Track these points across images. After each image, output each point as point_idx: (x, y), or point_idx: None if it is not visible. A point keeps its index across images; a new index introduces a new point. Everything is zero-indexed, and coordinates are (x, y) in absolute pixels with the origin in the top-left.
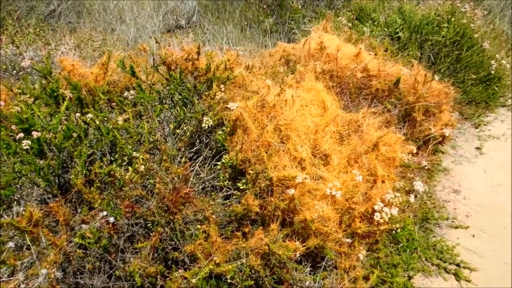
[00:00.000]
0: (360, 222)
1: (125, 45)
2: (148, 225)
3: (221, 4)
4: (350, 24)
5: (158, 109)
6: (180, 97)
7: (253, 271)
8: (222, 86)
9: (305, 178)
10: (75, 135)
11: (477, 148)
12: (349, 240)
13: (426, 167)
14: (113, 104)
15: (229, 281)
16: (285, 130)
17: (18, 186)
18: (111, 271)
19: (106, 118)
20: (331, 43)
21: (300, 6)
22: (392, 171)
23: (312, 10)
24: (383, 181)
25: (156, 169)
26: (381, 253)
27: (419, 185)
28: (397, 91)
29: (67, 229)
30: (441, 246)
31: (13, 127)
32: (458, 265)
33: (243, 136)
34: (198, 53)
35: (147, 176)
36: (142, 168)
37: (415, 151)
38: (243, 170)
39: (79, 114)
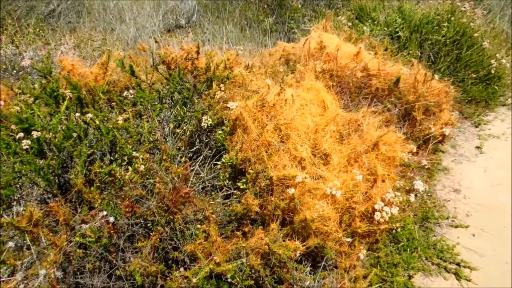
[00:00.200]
0: (360, 221)
1: (125, 44)
2: (148, 224)
3: (221, 4)
4: (350, 24)
5: (158, 109)
6: (179, 96)
7: (253, 271)
8: (222, 85)
9: (305, 178)
10: (75, 135)
11: (477, 147)
12: (349, 240)
13: (426, 166)
14: (113, 103)
15: (229, 280)
16: (285, 130)
17: (18, 186)
18: (111, 271)
19: (106, 118)
20: (331, 43)
21: (300, 6)
22: (392, 170)
23: (312, 9)
24: (383, 181)
25: (156, 168)
26: (381, 252)
27: (419, 184)
28: (397, 90)
29: (67, 229)
30: (441, 245)
31: (13, 126)
32: (458, 264)
33: (243, 136)
34: (198, 53)
35: (147, 176)
36: (142, 167)
37: (415, 150)
38: (243, 169)
39: (79, 114)
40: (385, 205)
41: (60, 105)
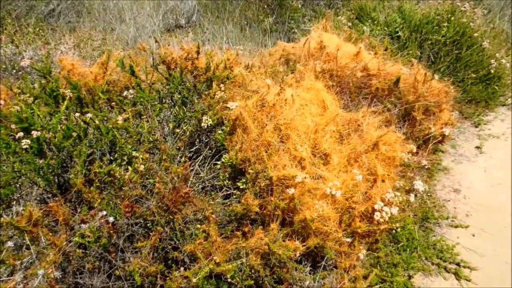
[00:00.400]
0: (360, 221)
1: (125, 44)
2: (148, 224)
3: (221, 4)
4: (350, 24)
5: (158, 109)
6: (179, 96)
7: (253, 271)
8: (221, 85)
9: (305, 178)
10: (74, 134)
11: (477, 147)
12: (349, 240)
13: (426, 166)
14: (113, 103)
15: (229, 280)
16: (285, 130)
17: (18, 185)
18: (110, 271)
19: (105, 118)
20: (331, 43)
21: (300, 6)
22: (392, 170)
23: (312, 9)
24: (383, 181)
25: (156, 168)
26: (381, 252)
27: (419, 184)
28: (397, 90)
29: (66, 229)
30: (441, 245)
31: (13, 126)
32: (458, 264)
33: (242, 136)
34: (198, 53)
35: (146, 176)
36: (141, 167)
37: (415, 150)
38: (243, 169)
39: (78, 113)
40: (385, 205)
41: (59, 104)
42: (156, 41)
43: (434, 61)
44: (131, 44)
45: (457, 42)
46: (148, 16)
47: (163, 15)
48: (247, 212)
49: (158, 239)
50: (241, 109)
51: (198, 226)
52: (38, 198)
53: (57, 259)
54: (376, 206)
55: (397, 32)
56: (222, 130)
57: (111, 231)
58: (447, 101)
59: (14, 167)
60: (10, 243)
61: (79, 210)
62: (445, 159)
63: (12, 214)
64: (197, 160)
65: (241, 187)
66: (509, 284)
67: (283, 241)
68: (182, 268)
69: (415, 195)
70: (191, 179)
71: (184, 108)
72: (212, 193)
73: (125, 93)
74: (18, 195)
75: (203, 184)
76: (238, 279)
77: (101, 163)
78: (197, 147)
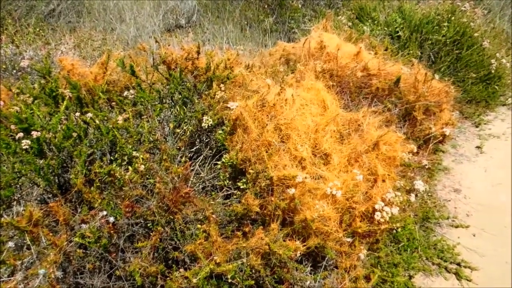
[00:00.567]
0: (360, 221)
1: (125, 44)
2: (148, 224)
3: (221, 4)
4: (350, 23)
5: (158, 109)
6: (180, 96)
7: (253, 271)
8: (222, 85)
9: (306, 178)
10: (75, 134)
11: (478, 147)
12: (349, 240)
13: (427, 166)
14: (113, 103)
15: (229, 280)
16: (285, 130)
17: (18, 186)
18: (111, 271)
19: (106, 118)
20: (331, 42)
21: (300, 5)
22: (393, 170)
23: (312, 9)
24: (383, 180)
25: (156, 168)
26: (382, 252)
27: (419, 184)
28: (398, 90)
29: (67, 229)
30: (441, 245)
31: (13, 126)
32: (459, 264)
33: (243, 136)
34: (198, 53)
35: (147, 176)
36: (142, 167)
37: (415, 150)
38: (243, 169)
39: (78, 113)
40: (385, 205)
41: (59, 105)
42: (156, 41)
43: (435, 61)
44: (131, 44)
45: (457, 42)
46: (148, 16)
47: (163, 15)
48: (247, 212)
49: (158, 239)
50: (242, 109)
51: (199, 226)
52: (38, 198)
53: (58, 259)
54: (376, 206)
55: (398, 32)
56: (222, 130)
57: (112, 231)
58: (447, 101)
59: (14, 168)
60: (10, 243)
61: (79, 210)
62: (445, 159)
63: (12, 214)
64: (197, 160)
65: (241, 187)
66: (510, 284)
67: (284, 241)
68: (182, 268)
69: (416, 195)
70: (191, 179)
71: (184, 108)
72: (213, 193)
73: (125, 93)
74: (19, 196)
75: (204, 184)
76: (238, 279)
77: (102, 163)
78: (197, 147)
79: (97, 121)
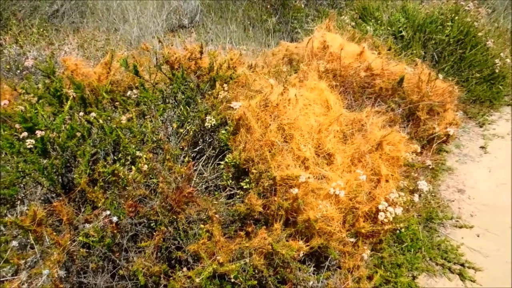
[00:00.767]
0: (364, 221)
1: (128, 44)
2: (152, 224)
3: (224, 4)
4: (353, 23)
5: (161, 109)
6: (183, 96)
7: (256, 271)
8: (225, 85)
9: (309, 178)
10: (78, 134)
11: (482, 147)
12: (352, 240)
13: (430, 166)
14: (116, 103)
15: (232, 280)
16: (289, 129)
17: (22, 185)
18: (114, 270)
19: (109, 118)
20: (334, 42)
21: (303, 5)
22: (396, 170)
23: (315, 9)
24: (387, 181)
25: (159, 168)
26: (385, 252)
27: (423, 185)
28: (401, 90)
29: (70, 228)
30: (445, 245)
31: (17, 126)
32: (462, 265)
33: (246, 136)
34: (201, 52)
35: (150, 176)
36: (145, 167)
37: (419, 150)
38: (246, 169)
39: (82, 113)
40: (389, 205)
41: (63, 104)
42: (159, 41)
43: (438, 60)
44: (135, 44)
45: (461, 42)
46: (152, 16)
47: (166, 15)
48: (250, 212)
49: (161, 239)
50: (245, 109)
51: (202, 226)
52: (42, 198)
53: (61, 259)
54: (380, 206)
55: (401, 31)
56: (225, 130)
57: (115, 231)
58: (451, 101)
59: (18, 167)
60: (14, 243)
61: (83, 209)
62: (449, 159)
63: (16, 213)
64: (200, 160)
65: (244, 187)
66: (509, 284)
67: (287, 241)
68: (185, 268)
69: (419, 195)
70: (194, 179)
71: (187, 108)
72: (216, 193)
73: (128, 93)
74: (22, 195)
75: (207, 184)
76: (241, 279)
77: (105, 163)
78: (200, 147)
79: (100, 121)
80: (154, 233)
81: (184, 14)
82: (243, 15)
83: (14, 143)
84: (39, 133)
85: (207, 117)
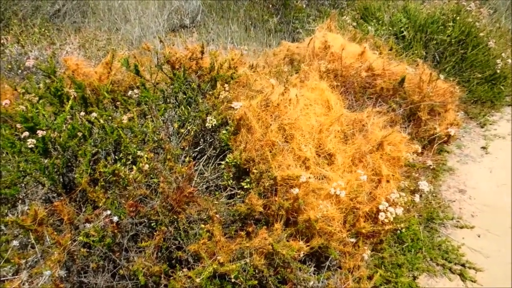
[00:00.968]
0: (364, 221)
1: (130, 44)
2: (152, 224)
3: (225, 4)
4: (354, 23)
5: (162, 108)
6: (184, 96)
7: (257, 271)
8: (226, 85)
9: (309, 178)
10: (79, 134)
11: (483, 148)
12: (353, 240)
13: (431, 167)
14: (117, 103)
15: (233, 280)
16: (289, 129)
17: (23, 185)
18: (115, 270)
19: (110, 117)
20: (336, 42)
21: (304, 5)
22: (397, 170)
23: (317, 9)
24: (387, 181)
25: (160, 168)
26: (386, 253)
27: (424, 185)
28: (402, 90)
29: (71, 228)
30: (446, 246)
31: (18, 126)
32: (463, 265)
33: (247, 136)
34: (202, 52)
35: (151, 175)
36: (146, 167)
37: (420, 150)
38: (247, 169)
39: (83, 113)
40: (389, 206)
41: (64, 104)
42: (160, 41)
43: (440, 61)
44: (136, 44)
45: (462, 42)
46: (153, 16)
47: (167, 15)
48: (251, 212)
49: (162, 239)
50: (246, 109)
51: (202, 225)
52: (43, 198)
53: (62, 258)
54: (380, 207)
55: (402, 32)
56: (226, 130)
57: (116, 231)
58: (452, 101)
59: (19, 167)
60: (15, 242)
61: (83, 209)
62: (450, 160)
63: (17, 213)
64: (201, 160)
65: (245, 187)
66: (510, 284)
67: (287, 241)
68: (186, 268)
69: (420, 196)
70: (195, 178)
71: (188, 108)
72: (216, 193)
73: (129, 92)
74: (24, 195)
75: (207, 184)
76: (242, 279)
77: (106, 163)
78: (201, 147)
79: (101, 121)
80: (155, 233)
81: (186, 14)
82: (244, 15)
83: (15, 143)
84: (40, 133)
85: (208, 117)
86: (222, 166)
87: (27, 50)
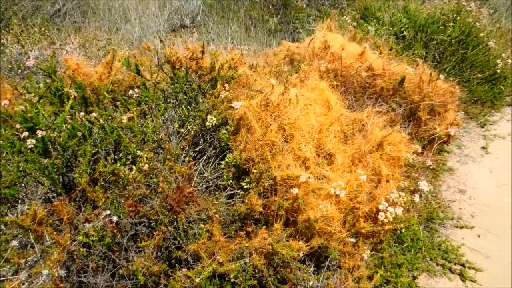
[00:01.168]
0: (364, 221)
1: (130, 44)
2: (152, 224)
3: (225, 4)
4: (354, 23)
5: (163, 108)
6: (184, 96)
7: (256, 271)
8: (226, 85)
9: (309, 178)
10: (79, 134)
11: (483, 148)
12: (353, 240)
13: (431, 167)
14: (118, 103)
15: (232, 280)
16: (289, 129)
17: (23, 185)
18: (114, 270)
19: (110, 117)
20: (336, 42)
21: (304, 5)
22: (397, 170)
23: (317, 9)
24: (387, 181)
25: (160, 168)
26: (386, 253)
27: (424, 185)
28: (402, 90)
29: (71, 228)
30: (446, 246)
31: (18, 126)
32: (463, 265)
33: (247, 135)
34: (203, 52)
35: (151, 175)
36: (146, 167)
37: (420, 150)
38: (247, 169)
39: (83, 113)
40: (389, 206)
41: (64, 104)
42: (161, 41)
43: (440, 61)
44: (136, 44)
45: (462, 42)
46: (153, 16)
47: (168, 15)
48: (250, 212)
49: (161, 239)
50: (245, 108)
51: (202, 225)
52: (42, 197)
53: (61, 258)
54: (380, 207)
55: (402, 31)
56: (226, 129)
57: (115, 230)
58: (452, 101)
59: (19, 167)
60: (15, 242)
61: (83, 209)
62: (450, 160)
63: (17, 213)
64: (201, 159)
65: (245, 187)
66: (510, 284)
67: (287, 241)
68: (185, 268)
69: (420, 196)
70: (195, 178)
71: (188, 107)
72: (216, 192)
73: (130, 92)
74: (23, 194)
75: (207, 183)
76: (241, 279)
77: (106, 163)
78: (201, 146)
79: (101, 121)
80: (154, 233)
81: (186, 14)
82: (244, 15)
83: (15, 143)
84: (40, 133)
85: (208, 117)
86: (222, 166)
87: (27, 50)
